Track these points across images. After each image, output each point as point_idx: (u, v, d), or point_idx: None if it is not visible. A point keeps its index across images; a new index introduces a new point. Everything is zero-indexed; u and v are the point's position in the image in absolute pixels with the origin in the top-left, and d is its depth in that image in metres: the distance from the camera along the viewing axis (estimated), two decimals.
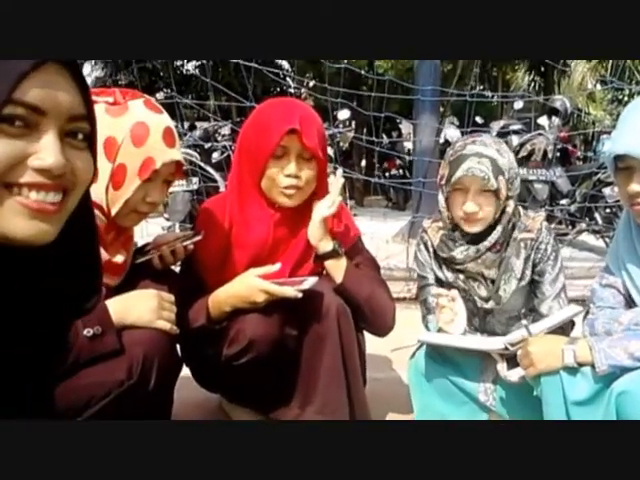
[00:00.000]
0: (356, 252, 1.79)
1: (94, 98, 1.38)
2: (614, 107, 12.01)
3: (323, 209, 1.68)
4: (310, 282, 1.58)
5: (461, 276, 1.78)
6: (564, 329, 1.60)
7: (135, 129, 1.39)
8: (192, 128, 9.29)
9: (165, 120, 1.46)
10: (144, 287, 1.47)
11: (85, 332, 1.29)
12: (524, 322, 1.59)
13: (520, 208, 1.80)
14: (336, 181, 1.71)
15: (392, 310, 1.73)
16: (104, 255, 1.43)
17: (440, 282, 1.84)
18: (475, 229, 1.68)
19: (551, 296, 1.74)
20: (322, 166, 1.67)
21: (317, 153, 1.62)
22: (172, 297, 1.44)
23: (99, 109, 1.40)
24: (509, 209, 1.69)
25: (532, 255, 1.73)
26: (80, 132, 0.83)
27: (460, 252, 1.73)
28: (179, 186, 4.83)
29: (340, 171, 1.76)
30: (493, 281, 1.75)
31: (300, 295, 1.53)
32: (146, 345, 1.34)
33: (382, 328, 1.74)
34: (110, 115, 1.40)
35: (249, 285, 1.57)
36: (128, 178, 1.39)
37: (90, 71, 14.98)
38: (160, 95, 12.75)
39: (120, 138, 1.38)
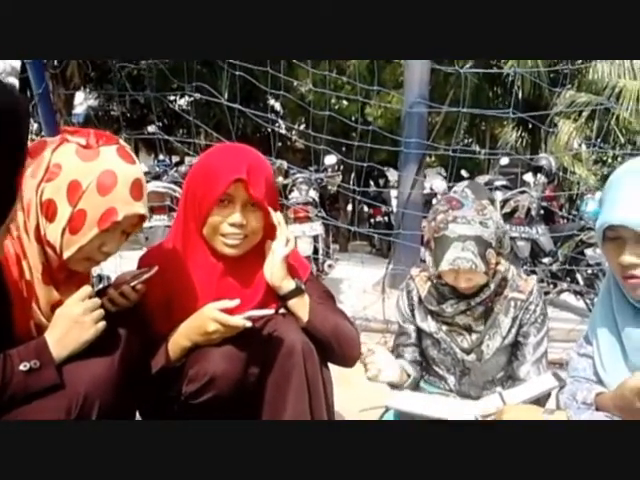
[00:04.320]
0: (313, 286, 1.76)
1: (67, 137, 1.38)
2: (598, 167, 12.22)
3: (281, 249, 1.64)
4: (261, 312, 1.55)
5: (444, 327, 1.76)
6: (539, 400, 1.55)
7: (102, 177, 1.35)
8: (180, 163, 9.31)
9: (136, 171, 1.41)
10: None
11: (21, 367, 1.23)
12: (499, 390, 1.55)
13: (513, 267, 1.79)
14: (276, 217, 1.65)
15: (358, 339, 1.70)
16: (54, 295, 1.38)
17: (421, 332, 1.82)
18: (469, 290, 1.68)
19: (531, 360, 1.72)
20: (269, 215, 1.64)
21: (263, 204, 1.60)
22: (90, 297, 1.37)
23: (70, 149, 1.37)
24: (501, 267, 1.70)
25: (520, 315, 1.72)
26: None
27: (450, 305, 1.72)
28: (160, 221, 4.78)
29: (279, 214, 1.70)
30: (478, 334, 1.73)
31: (249, 324, 1.50)
32: (88, 384, 1.28)
33: (350, 358, 1.70)
34: (79, 158, 1.36)
35: (201, 314, 1.54)
36: (86, 225, 1.35)
37: (83, 100, 15.07)
38: (151, 128, 12.83)
39: (85, 184, 1.34)
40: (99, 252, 1.40)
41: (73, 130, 1.41)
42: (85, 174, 1.34)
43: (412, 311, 1.84)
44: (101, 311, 1.36)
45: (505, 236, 1.71)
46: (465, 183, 1.83)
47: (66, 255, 1.36)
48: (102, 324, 1.35)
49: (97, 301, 1.37)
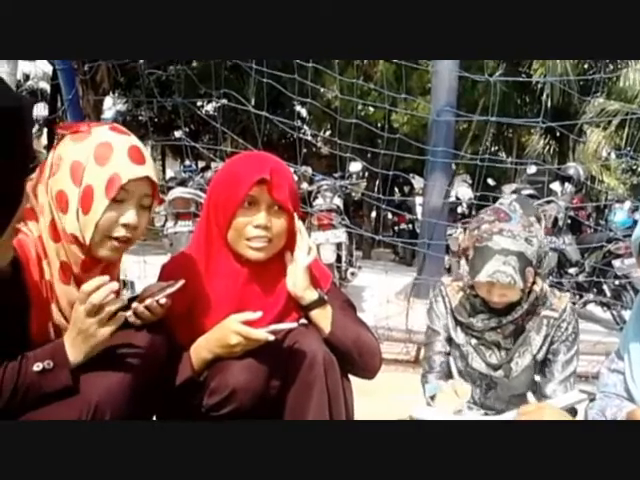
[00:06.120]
0: (334, 296, 1.72)
1: (62, 132, 1.42)
2: (628, 177, 12.04)
3: (304, 257, 1.61)
4: (284, 325, 1.54)
5: (473, 341, 1.74)
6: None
7: (98, 149, 1.37)
8: (206, 169, 9.36)
9: (131, 139, 1.43)
10: (126, 339, 1.39)
11: (35, 367, 1.23)
12: (529, 395, 1.53)
13: (547, 286, 1.76)
14: (298, 224, 1.64)
15: (379, 350, 1.68)
16: (76, 294, 1.34)
17: (450, 342, 1.80)
18: (501, 305, 1.66)
19: (559, 379, 1.69)
20: (293, 220, 1.63)
21: (287, 205, 1.59)
22: (98, 289, 1.28)
23: (65, 140, 1.41)
24: (537, 287, 1.67)
25: (552, 333, 1.69)
26: None
27: (480, 320, 1.69)
28: (185, 227, 4.81)
29: (300, 222, 1.68)
30: (507, 350, 1.70)
31: (271, 338, 1.48)
32: (101, 394, 1.27)
33: (371, 370, 1.67)
34: (74, 141, 1.39)
35: (224, 327, 1.52)
36: (96, 199, 1.35)
37: (112, 105, 15.28)
38: (178, 133, 12.95)
39: (84, 160, 1.36)
40: (119, 226, 1.38)
41: (65, 126, 1.45)
42: (82, 152, 1.37)
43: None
44: (109, 310, 1.29)
45: (546, 256, 1.68)
46: (514, 197, 1.80)
47: (88, 238, 1.35)
48: (111, 328, 1.30)
49: (97, 299, 1.27)
